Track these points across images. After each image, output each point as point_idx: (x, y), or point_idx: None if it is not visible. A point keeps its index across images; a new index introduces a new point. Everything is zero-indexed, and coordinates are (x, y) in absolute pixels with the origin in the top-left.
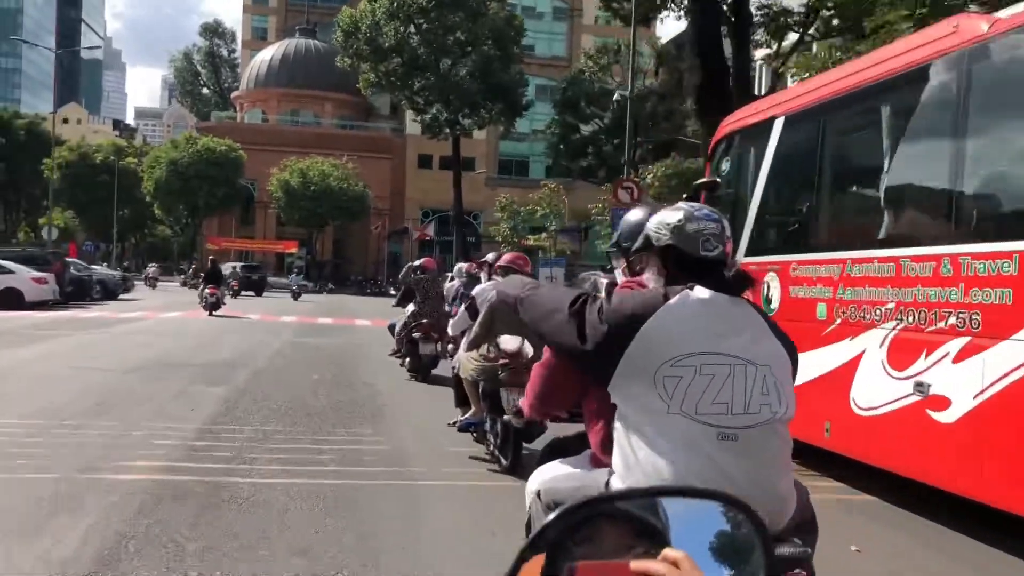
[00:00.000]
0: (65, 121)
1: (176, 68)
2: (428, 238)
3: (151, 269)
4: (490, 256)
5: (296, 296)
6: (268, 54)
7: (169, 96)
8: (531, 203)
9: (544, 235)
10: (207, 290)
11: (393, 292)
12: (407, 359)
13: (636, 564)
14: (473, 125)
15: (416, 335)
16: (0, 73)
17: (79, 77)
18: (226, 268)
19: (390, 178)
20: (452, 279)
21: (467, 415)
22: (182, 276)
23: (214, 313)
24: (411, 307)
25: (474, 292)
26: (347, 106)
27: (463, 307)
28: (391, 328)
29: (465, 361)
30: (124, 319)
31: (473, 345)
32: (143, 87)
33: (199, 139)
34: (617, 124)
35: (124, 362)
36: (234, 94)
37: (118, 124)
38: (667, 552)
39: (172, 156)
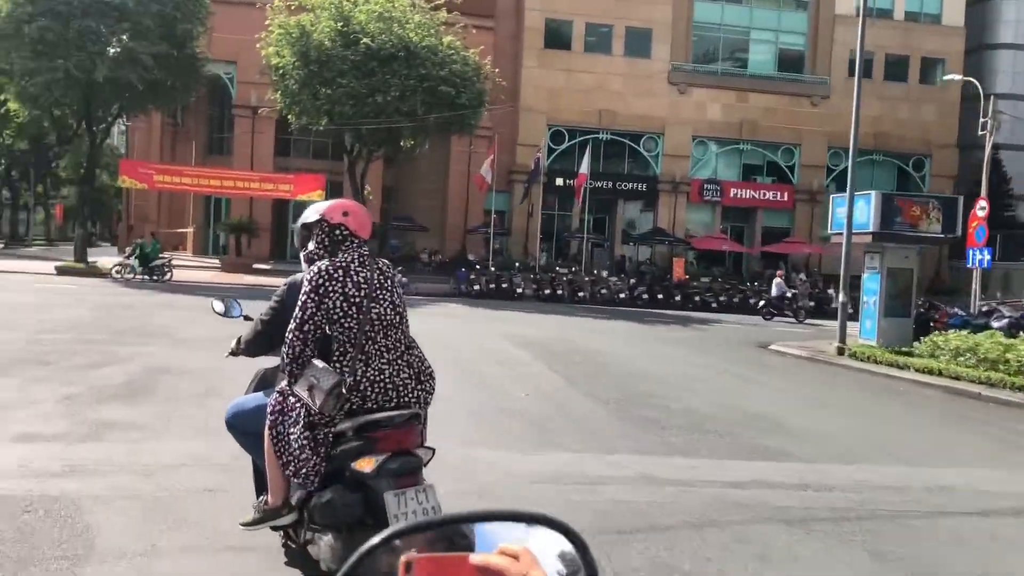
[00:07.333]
0: None
1: None
2: (582, 183)
3: None
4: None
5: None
6: None
7: None
8: None
9: None
10: None
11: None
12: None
13: (475, 558)
14: None
15: (362, 469)
16: None
17: None
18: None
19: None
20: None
21: None
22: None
23: None
24: (319, 367)
25: None
26: None
27: None
28: (233, 423)
29: None
30: None
31: None
32: None
33: None
34: None
35: None
36: None
37: None
38: (505, 546)
39: None
